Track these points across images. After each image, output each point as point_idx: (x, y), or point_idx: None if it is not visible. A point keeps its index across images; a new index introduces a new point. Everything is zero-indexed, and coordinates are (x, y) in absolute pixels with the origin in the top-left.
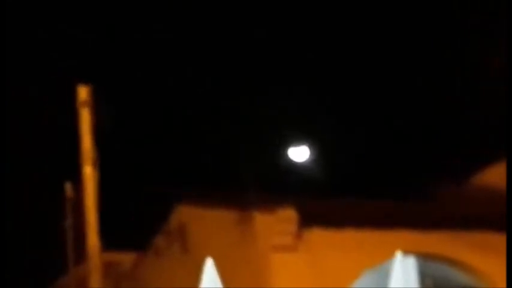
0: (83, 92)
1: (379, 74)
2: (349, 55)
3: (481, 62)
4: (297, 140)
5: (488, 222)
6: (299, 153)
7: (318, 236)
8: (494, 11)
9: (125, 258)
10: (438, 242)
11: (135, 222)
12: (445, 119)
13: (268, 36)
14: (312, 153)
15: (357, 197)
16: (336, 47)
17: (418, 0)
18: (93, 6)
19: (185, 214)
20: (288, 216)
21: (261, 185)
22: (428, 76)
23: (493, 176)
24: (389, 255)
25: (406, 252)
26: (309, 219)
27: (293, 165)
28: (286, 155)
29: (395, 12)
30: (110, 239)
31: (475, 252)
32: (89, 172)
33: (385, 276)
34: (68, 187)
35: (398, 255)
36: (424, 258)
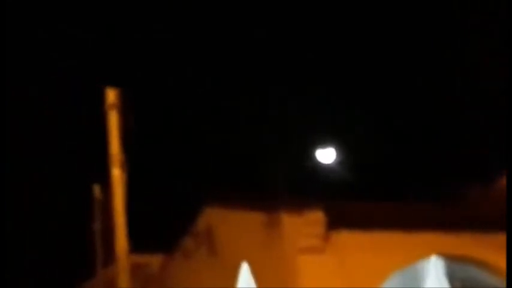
0: (111, 95)
1: (407, 79)
2: (377, 59)
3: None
4: (324, 142)
5: None
6: (326, 155)
7: (345, 238)
8: (494, 11)
9: (153, 260)
10: (466, 244)
11: (163, 224)
12: (474, 122)
13: (295, 44)
14: (339, 155)
15: (384, 199)
16: (358, 52)
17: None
18: (118, 12)
19: (213, 216)
20: (315, 218)
21: (289, 187)
22: (460, 83)
23: None
24: (417, 257)
25: (433, 254)
26: (336, 222)
27: (320, 167)
28: (314, 157)
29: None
30: (138, 241)
31: (502, 254)
32: (117, 174)
33: (414, 278)
34: (97, 189)
35: (431, 258)
36: (452, 260)
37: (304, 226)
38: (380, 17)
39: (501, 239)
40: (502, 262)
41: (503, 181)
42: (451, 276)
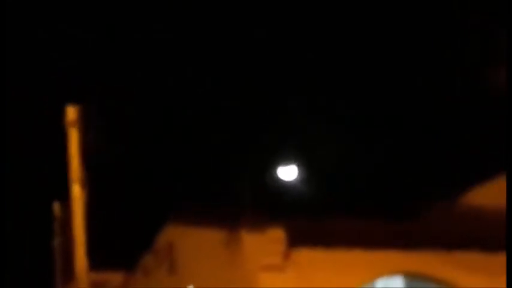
0: (72, 112)
1: (369, 98)
2: (339, 80)
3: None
4: (286, 160)
5: (476, 242)
6: (288, 173)
7: (306, 256)
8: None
9: (113, 278)
10: (426, 261)
11: (124, 242)
12: (435, 141)
13: (259, 60)
14: (300, 173)
15: (346, 217)
16: (317, 77)
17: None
18: (80, 29)
19: (174, 234)
20: (276, 236)
21: (250, 204)
22: (421, 100)
23: (481, 196)
24: (377, 274)
25: (394, 272)
26: (297, 239)
27: (282, 185)
28: (276, 175)
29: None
30: (98, 259)
31: (462, 271)
32: (77, 192)
33: None
34: (57, 206)
35: (392, 276)
36: (412, 277)
37: (265, 244)
38: (347, 36)
39: (462, 257)
40: (461, 280)
41: (463, 200)
42: None
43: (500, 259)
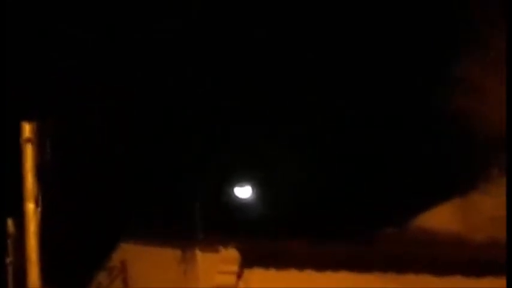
0: (27, 129)
1: (326, 121)
2: (297, 101)
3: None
4: (241, 180)
5: (426, 265)
6: (243, 193)
7: (259, 276)
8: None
9: None
10: (378, 283)
11: (77, 260)
12: (386, 166)
13: (213, 78)
14: (255, 193)
15: (299, 238)
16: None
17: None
18: (37, 40)
19: (127, 252)
20: (230, 256)
21: (204, 224)
22: (370, 123)
23: (431, 219)
24: None
25: None
26: (251, 260)
27: (237, 205)
28: (230, 195)
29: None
30: (51, 276)
31: None
32: (31, 209)
33: None
34: (10, 223)
35: None
36: None
37: (219, 263)
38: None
39: (412, 279)
40: None
41: (415, 223)
42: None
43: (450, 282)
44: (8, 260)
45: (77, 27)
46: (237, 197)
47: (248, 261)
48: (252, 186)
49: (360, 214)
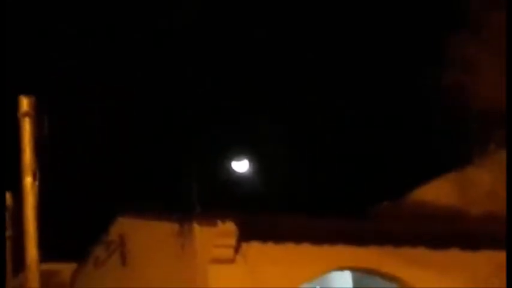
0: (25, 103)
1: (321, 88)
2: (293, 66)
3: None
4: (238, 153)
5: (423, 239)
6: (240, 166)
7: (256, 249)
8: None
9: (64, 269)
10: (374, 257)
11: (75, 233)
12: (383, 138)
13: (211, 54)
14: (252, 167)
15: (296, 212)
16: (271, 63)
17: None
18: (37, 14)
19: (125, 225)
20: (227, 229)
21: (202, 197)
22: (367, 101)
23: (428, 193)
24: (326, 269)
25: (343, 267)
26: (248, 233)
27: (234, 178)
28: (228, 168)
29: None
30: (49, 250)
31: (410, 268)
32: (28, 182)
33: None
34: (8, 197)
35: (340, 271)
36: (361, 273)
37: (216, 237)
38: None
39: (409, 253)
40: (409, 276)
41: (411, 197)
42: None
43: (447, 255)
44: (6, 233)
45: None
46: (234, 171)
47: (245, 234)
48: (249, 160)
49: (356, 188)
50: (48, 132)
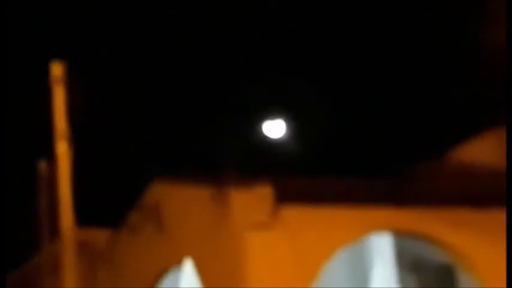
0: (56, 69)
1: (357, 55)
2: (327, 34)
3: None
4: (273, 115)
5: (464, 199)
6: (275, 129)
7: (293, 213)
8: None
9: (99, 236)
10: (415, 219)
11: (110, 199)
12: (421, 97)
13: (240, 21)
14: (288, 129)
15: (334, 174)
16: (304, 26)
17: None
18: None
19: (160, 191)
20: (264, 193)
21: (237, 161)
22: (402, 57)
23: (468, 152)
24: (366, 232)
25: (383, 229)
26: (285, 197)
27: (269, 141)
28: (262, 131)
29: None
30: (85, 217)
31: (451, 228)
32: (62, 149)
33: (362, 253)
34: (42, 164)
35: (380, 234)
36: (401, 235)
37: (252, 201)
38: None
39: (451, 214)
40: (451, 237)
41: (452, 156)
42: (400, 252)
43: (490, 216)
44: (41, 200)
45: None
46: (270, 134)
47: (283, 198)
48: (284, 121)
49: (396, 148)
50: (81, 98)
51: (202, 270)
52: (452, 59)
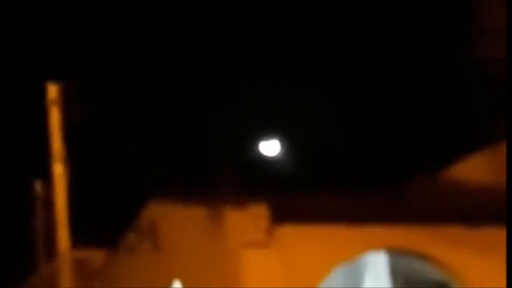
0: (53, 90)
1: (350, 69)
2: (321, 51)
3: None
4: (268, 135)
5: (459, 217)
6: (270, 148)
7: (289, 232)
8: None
9: (96, 256)
10: (409, 237)
11: (106, 220)
12: (416, 112)
13: (237, 36)
14: (283, 148)
15: (328, 192)
16: (298, 44)
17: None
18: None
19: (156, 211)
20: (259, 212)
21: (233, 180)
22: (401, 71)
23: (463, 170)
24: (361, 251)
25: (378, 247)
26: (280, 215)
27: (264, 160)
28: (258, 150)
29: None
30: (81, 237)
31: (446, 246)
32: (59, 170)
33: (357, 272)
34: (38, 185)
35: (375, 252)
36: (396, 253)
37: (248, 220)
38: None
39: (446, 231)
40: (446, 255)
41: (446, 174)
42: (394, 270)
43: (484, 233)
44: (37, 220)
45: None
46: (265, 153)
47: (278, 217)
48: (279, 141)
49: (390, 166)
50: (77, 119)
51: None
52: (448, 76)
